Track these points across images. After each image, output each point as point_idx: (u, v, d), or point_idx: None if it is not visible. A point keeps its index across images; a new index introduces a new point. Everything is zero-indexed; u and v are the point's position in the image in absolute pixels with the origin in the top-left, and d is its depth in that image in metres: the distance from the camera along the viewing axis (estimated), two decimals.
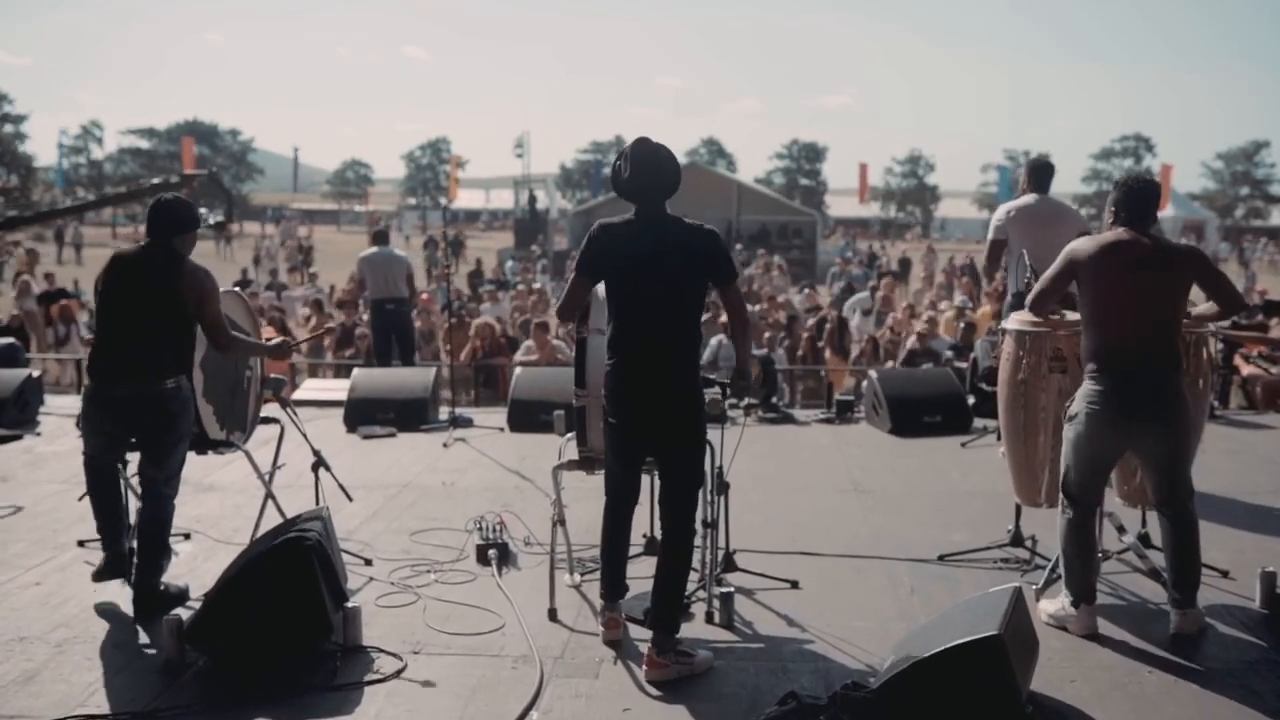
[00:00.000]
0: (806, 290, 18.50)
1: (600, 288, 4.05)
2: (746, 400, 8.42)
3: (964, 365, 10.39)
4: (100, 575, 4.54)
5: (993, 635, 3.33)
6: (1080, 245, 4.16)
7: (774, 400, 8.82)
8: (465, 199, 68.28)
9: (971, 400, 8.44)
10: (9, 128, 61.38)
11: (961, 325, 12.84)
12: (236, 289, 5.24)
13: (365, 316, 14.38)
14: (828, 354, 12.78)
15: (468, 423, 8.28)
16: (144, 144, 72.06)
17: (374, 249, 10.82)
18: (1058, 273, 4.21)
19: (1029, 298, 4.40)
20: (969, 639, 3.36)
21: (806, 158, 79.01)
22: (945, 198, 77.18)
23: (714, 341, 10.30)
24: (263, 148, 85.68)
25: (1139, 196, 4.16)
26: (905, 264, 29.77)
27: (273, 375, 5.35)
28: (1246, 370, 9.65)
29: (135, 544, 4.57)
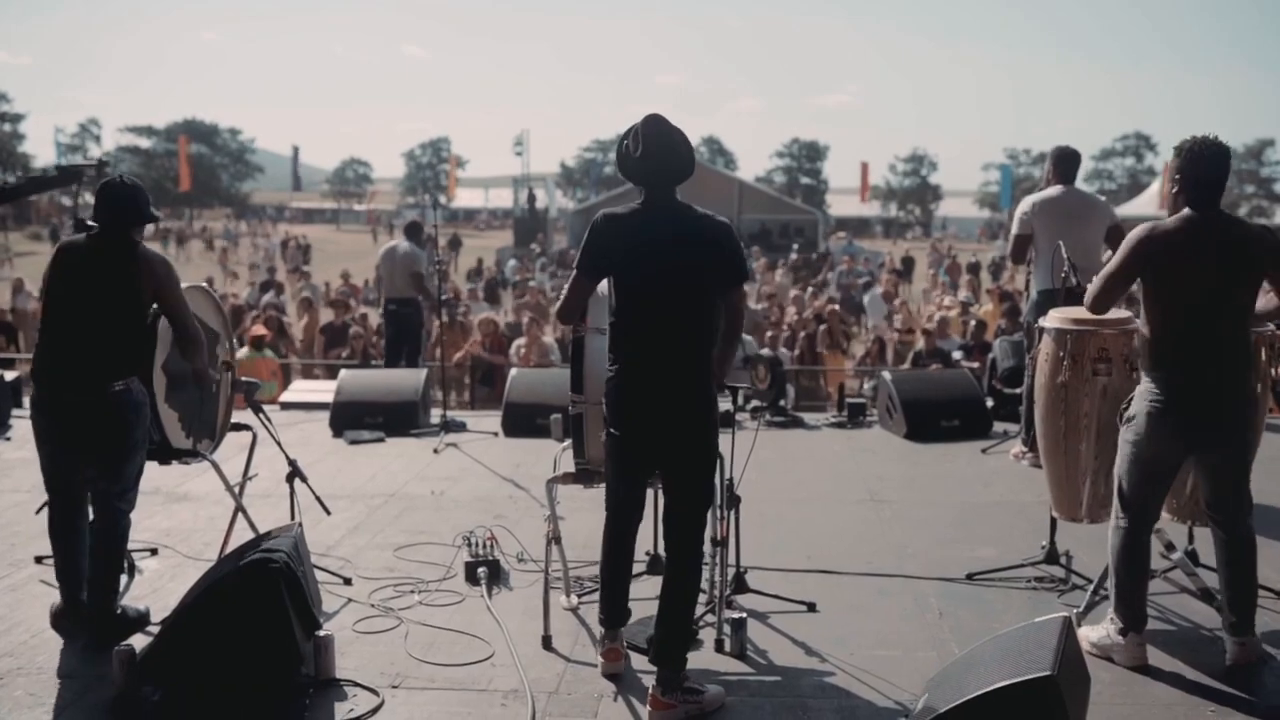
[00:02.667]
0: (811, 290, 18.12)
1: (603, 284, 3.65)
2: (753, 404, 8.06)
3: (974, 365, 10.03)
4: (58, 624, 4.10)
5: (1046, 676, 2.93)
6: (1145, 232, 3.72)
7: (782, 403, 8.41)
8: (465, 198, 68.10)
9: (990, 403, 8.04)
10: (7, 127, 61.10)
11: (972, 324, 12.46)
12: (205, 285, 4.83)
13: (361, 314, 14.05)
14: (824, 354, 12.42)
15: (460, 427, 7.87)
16: (143, 142, 71.63)
17: (393, 242, 10.08)
18: (1120, 267, 3.76)
19: (1087, 297, 3.94)
20: (1019, 679, 2.95)
21: (807, 156, 78.61)
22: (947, 197, 76.80)
23: None
24: (262, 147, 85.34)
25: (1207, 166, 3.65)
26: (909, 263, 29.40)
27: (245, 379, 4.95)
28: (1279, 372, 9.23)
29: (88, 563, 4.17)
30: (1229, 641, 3.80)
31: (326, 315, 14.07)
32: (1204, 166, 3.66)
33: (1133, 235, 3.73)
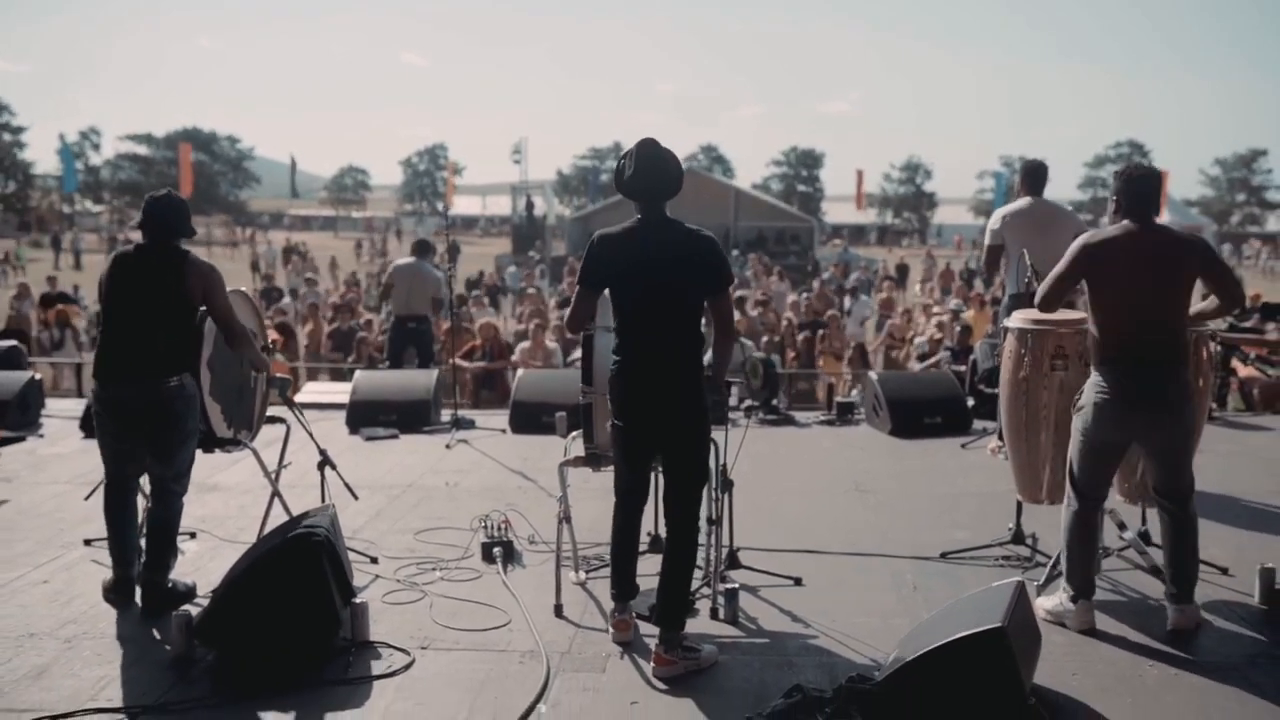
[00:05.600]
0: (807, 296, 18.53)
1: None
2: (746, 403, 8.49)
3: (961, 368, 10.47)
4: (109, 596, 4.53)
5: (996, 628, 3.36)
6: (1088, 240, 4.18)
7: (774, 403, 8.85)
8: (462, 205, 68.47)
9: (971, 402, 8.48)
10: (7, 135, 61.53)
11: (958, 328, 12.95)
12: (243, 290, 5.26)
13: (366, 320, 14.45)
14: (821, 358, 12.91)
15: (470, 425, 8.31)
16: (142, 150, 72.07)
17: (410, 259, 10.35)
18: (1065, 271, 4.21)
19: (1037, 296, 4.39)
20: (973, 631, 3.39)
21: (804, 164, 79.17)
22: (943, 204, 77.31)
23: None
24: (261, 155, 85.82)
25: (1140, 185, 4.16)
26: (903, 270, 29.86)
27: (278, 375, 5.37)
28: (1244, 372, 9.70)
29: (144, 542, 4.60)
30: (1170, 609, 4.23)
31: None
32: (1138, 185, 4.16)
33: (1077, 242, 4.20)
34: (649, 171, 3.90)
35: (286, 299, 17.69)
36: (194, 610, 4.14)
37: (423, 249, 10.46)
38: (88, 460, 6.96)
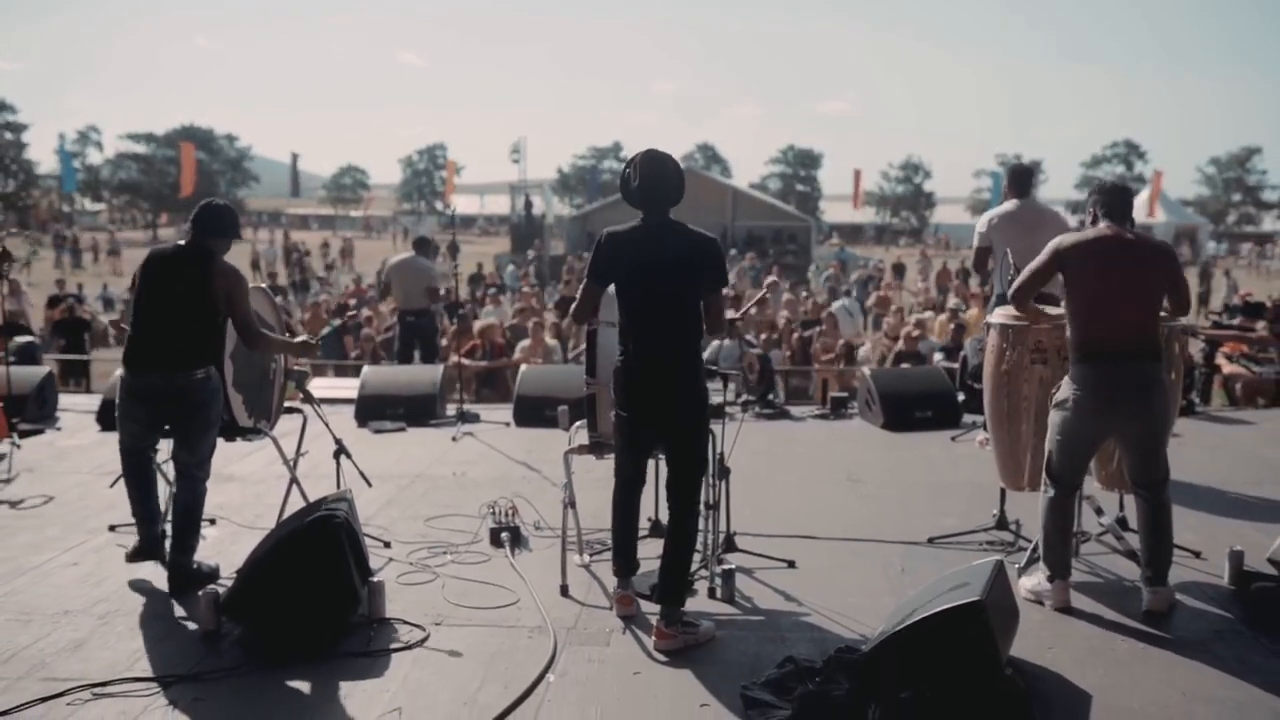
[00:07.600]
0: (805, 294, 18.79)
1: (612, 286, 4.33)
2: (743, 398, 8.75)
3: (954, 365, 10.71)
4: (134, 556, 4.82)
5: (975, 601, 3.60)
6: (1064, 240, 4.43)
7: (770, 397, 9.10)
8: (461, 204, 68.61)
9: (961, 397, 8.73)
10: (8, 134, 61.72)
11: (952, 327, 13.19)
12: (264, 287, 5.50)
13: (367, 316, 14.69)
14: (819, 352, 13.14)
15: (475, 418, 8.57)
16: (142, 149, 72.15)
17: (404, 255, 10.64)
18: (1040, 267, 4.47)
19: (1011, 290, 4.66)
20: (953, 605, 3.63)
21: (802, 164, 79.41)
22: (941, 203, 77.48)
23: (714, 344, 10.60)
24: (259, 154, 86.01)
25: (1116, 195, 4.46)
26: (900, 269, 30.06)
27: (295, 368, 5.62)
28: (1228, 369, 9.97)
29: (169, 526, 4.85)
30: (1145, 591, 4.47)
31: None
32: (1114, 198, 4.46)
33: (1055, 241, 4.45)
34: (653, 181, 4.14)
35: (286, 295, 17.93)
36: (220, 589, 4.40)
37: (421, 245, 10.70)
38: (106, 452, 7.20)
